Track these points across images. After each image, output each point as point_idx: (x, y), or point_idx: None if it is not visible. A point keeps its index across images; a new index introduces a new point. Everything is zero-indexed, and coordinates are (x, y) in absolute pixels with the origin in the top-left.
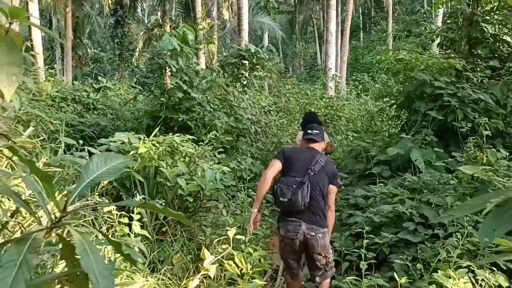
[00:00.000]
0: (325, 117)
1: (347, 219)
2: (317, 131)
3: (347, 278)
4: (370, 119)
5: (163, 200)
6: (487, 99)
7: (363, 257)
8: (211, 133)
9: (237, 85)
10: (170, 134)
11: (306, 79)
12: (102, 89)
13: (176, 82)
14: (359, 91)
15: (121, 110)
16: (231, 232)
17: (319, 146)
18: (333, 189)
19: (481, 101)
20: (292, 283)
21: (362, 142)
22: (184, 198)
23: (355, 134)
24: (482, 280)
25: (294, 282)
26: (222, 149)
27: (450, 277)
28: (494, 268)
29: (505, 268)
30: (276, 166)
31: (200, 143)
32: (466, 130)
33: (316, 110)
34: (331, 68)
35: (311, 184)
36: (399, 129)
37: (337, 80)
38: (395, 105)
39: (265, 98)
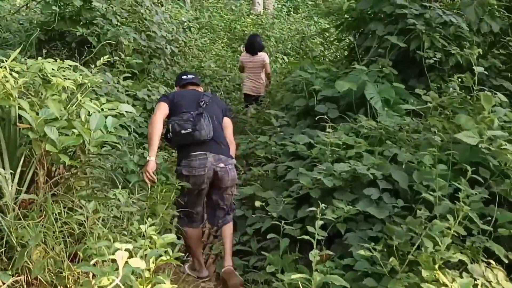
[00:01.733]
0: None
1: (284, 173)
2: (193, 75)
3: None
4: (300, 40)
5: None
6: (459, 23)
7: (312, 239)
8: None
9: None
10: (65, 52)
11: None
12: None
13: None
14: (290, 9)
15: (9, 19)
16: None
17: (199, 89)
18: (228, 121)
19: (451, 25)
20: (191, 232)
21: (302, 72)
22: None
23: (285, 57)
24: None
25: (195, 230)
26: (128, 74)
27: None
28: (491, 261)
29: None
30: (162, 108)
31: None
32: (434, 61)
33: (242, 28)
34: None
35: (208, 114)
36: (346, 56)
37: None
38: (342, 26)
39: (186, 12)
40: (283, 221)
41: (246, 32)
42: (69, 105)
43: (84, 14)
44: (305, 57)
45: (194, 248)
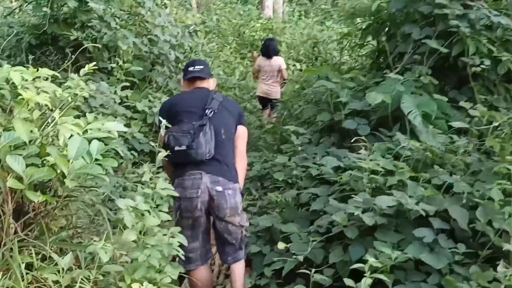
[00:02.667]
0: (262, 42)
1: (308, 201)
2: (201, 66)
3: None
4: (313, 45)
5: None
6: (509, 25)
7: None
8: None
9: None
10: (58, 58)
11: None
12: None
13: None
14: (302, 13)
15: (2, 22)
16: None
17: (208, 84)
18: (242, 130)
19: (499, 28)
20: (192, 274)
21: (326, 81)
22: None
23: (297, 63)
24: None
25: (194, 272)
26: (127, 83)
27: None
28: None
29: None
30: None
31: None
32: (481, 69)
33: (251, 33)
34: None
35: (214, 127)
36: (372, 63)
37: None
38: (369, 29)
39: (193, 16)
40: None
41: (255, 37)
42: (44, 126)
43: (79, 16)
44: (321, 64)
45: None
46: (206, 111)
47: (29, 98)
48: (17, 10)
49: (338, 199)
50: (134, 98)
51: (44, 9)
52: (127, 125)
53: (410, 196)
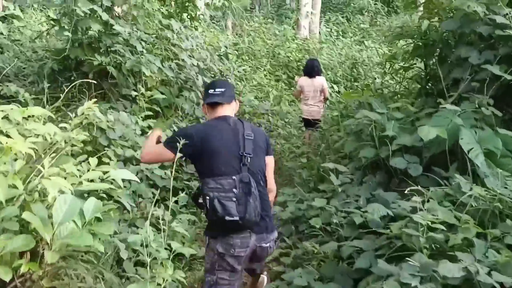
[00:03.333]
0: (298, 64)
1: (350, 255)
2: (222, 89)
3: None
4: (351, 67)
5: None
6: None
7: None
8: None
9: (182, 17)
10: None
11: (273, 19)
12: (7, 18)
13: (91, 9)
14: (340, 32)
15: (29, 47)
16: None
17: (230, 109)
18: (270, 160)
19: None
20: None
21: (369, 112)
22: None
23: (334, 85)
24: None
25: None
26: (150, 112)
27: None
28: None
29: None
30: (164, 156)
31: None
32: None
33: (287, 54)
34: (307, 3)
35: (253, 178)
36: (420, 90)
37: (311, 18)
38: (419, 50)
39: (227, 37)
40: None
41: (291, 58)
42: (29, 179)
43: (104, 40)
44: (362, 88)
45: None
46: (244, 160)
47: (11, 146)
48: (44, 34)
49: (387, 258)
50: (159, 126)
51: (66, 33)
52: None
53: (479, 261)
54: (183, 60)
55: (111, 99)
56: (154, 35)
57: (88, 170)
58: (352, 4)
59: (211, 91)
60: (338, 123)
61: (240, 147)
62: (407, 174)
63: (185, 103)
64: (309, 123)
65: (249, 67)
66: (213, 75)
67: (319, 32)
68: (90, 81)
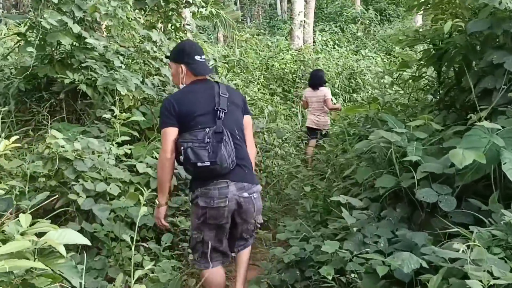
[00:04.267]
0: (294, 76)
1: None
2: (204, 56)
3: None
4: (348, 77)
5: None
6: None
7: None
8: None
9: (166, 27)
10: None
11: (265, 30)
12: None
13: (60, 20)
14: (336, 41)
15: None
16: None
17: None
18: (248, 119)
19: None
20: (210, 275)
21: (386, 132)
22: None
23: (333, 98)
24: None
25: (215, 271)
26: (127, 137)
27: None
28: None
29: None
30: (170, 137)
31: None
32: None
33: (281, 66)
34: (301, 11)
35: (228, 130)
36: (439, 102)
37: (305, 27)
38: (440, 56)
39: (214, 50)
40: None
41: (285, 70)
42: None
43: (76, 56)
44: (368, 101)
45: None
46: (218, 113)
47: None
48: (16, 50)
49: None
50: (138, 152)
51: (29, 48)
52: (124, 193)
53: None
54: (165, 75)
55: (85, 121)
56: (132, 48)
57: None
58: (344, 14)
59: (197, 57)
60: (343, 142)
61: (216, 104)
62: (435, 206)
63: None
64: (316, 133)
65: (241, 80)
66: None
67: (314, 42)
68: (59, 100)
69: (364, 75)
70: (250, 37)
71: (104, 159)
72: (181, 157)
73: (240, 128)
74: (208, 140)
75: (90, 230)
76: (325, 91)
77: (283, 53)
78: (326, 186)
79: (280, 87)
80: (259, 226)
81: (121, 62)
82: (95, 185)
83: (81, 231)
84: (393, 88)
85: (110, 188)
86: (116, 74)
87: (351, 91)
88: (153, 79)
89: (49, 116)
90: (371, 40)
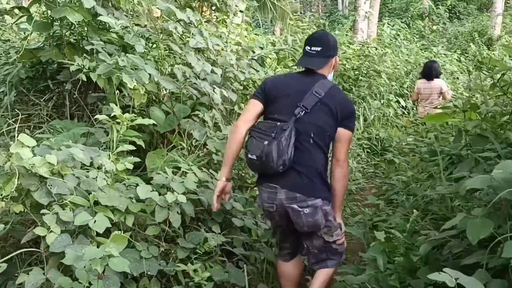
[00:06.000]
0: (356, 72)
1: None
2: (318, 48)
3: None
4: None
5: None
6: None
7: None
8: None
9: (204, 9)
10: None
11: (325, 25)
12: None
13: None
14: (406, 36)
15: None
16: None
17: (326, 70)
18: (344, 134)
19: None
20: (279, 265)
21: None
22: None
23: (400, 99)
24: None
25: (283, 264)
26: (132, 146)
27: None
28: None
29: None
30: (252, 108)
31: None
32: None
33: (342, 61)
34: (365, 1)
35: (298, 130)
36: None
37: (370, 19)
38: None
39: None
40: None
41: (346, 66)
42: None
43: (90, 37)
44: (464, 109)
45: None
46: (296, 110)
47: None
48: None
49: None
50: (153, 163)
51: (24, 25)
52: (118, 226)
53: None
54: (188, 64)
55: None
56: (151, 28)
57: None
58: (411, 9)
59: (307, 48)
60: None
61: (302, 99)
62: None
63: (194, 129)
64: None
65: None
66: (241, 85)
67: (378, 35)
68: (66, 92)
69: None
70: (307, 26)
71: (96, 177)
72: None
73: (320, 133)
74: (273, 134)
75: (56, 283)
76: (441, 83)
77: (344, 47)
78: (407, 230)
79: (340, 85)
80: (337, 247)
81: (145, 47)
82: (76, 213)
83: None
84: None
85: (95, 222)
86: (123, 60)
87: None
88: (179, 69)
89: (56, 111)
90: (440, 37)
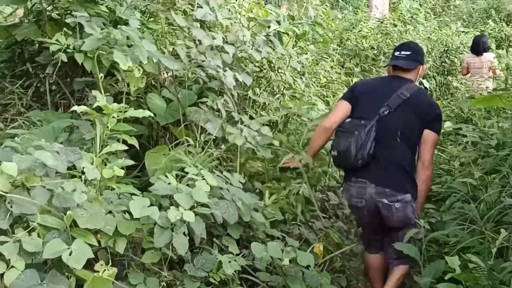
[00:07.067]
0: (375, 52)
1: None
2: (407, 52)
3: None
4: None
5: None
6: None
7: None
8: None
9: None
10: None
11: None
12: None
13: None
14: (429, 11)
15: None
16: None
17: (411, 74)
18: (430, 137)
19: None
20: (367, 258)
21: None
22: None
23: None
24: None
25: (372, 257)
26: (124, 146)
27: None
28: None
29: None
30: (341, 109)
31: None
32: None
33: (358, 40)
34: None
35: (381, 128)
36: None
37: None
38: None
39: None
40: None
41: (364, 44)
42: None
43: (76, 10)
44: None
45: (371, 278)
46: (381, 110)
47: None
48: None
49: None
50: (154, 163)
51: None
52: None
53: None
54: (196, 40)
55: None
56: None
57: None
58: None
59: (396, 53)
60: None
61: (387, 101)
62: None
63: (203, 118)
64: None
65: (311, 55)
66: (258, 67)
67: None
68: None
69: (461, 53)
70: (320, 3)
71: (75, 189)
72: None
73: (407, 131)
74: (356, 132)
75: None
76: (490, 56)
77: (360, 25)
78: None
79: (359, 66)
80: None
81: (141, 21)
82: (44, 243)
83: None
84: None
85: (71, 254)
86: (116, 34)
87: (445, 73)
88: (182, 47)
89: (37, 100)
90: (453, 15)
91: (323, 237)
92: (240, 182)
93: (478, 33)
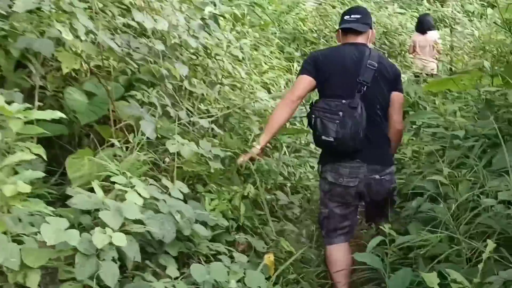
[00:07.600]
0: (314, 35)
1: None
2: (357, 15)
3: None
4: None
5: None
6: None
7: None
8: None
9: None
10: None
11: None
12: None
13: None
14: None
15: None
16: None
17: (363, 38)
18: (397, 97)
19: None
20: (331, 251)
21: None
22: None
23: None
24: None
25: (337, 247)
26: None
27: None
28: None
29: None
30: (304, 83)
31: None
32: None
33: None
34: None
35: (366, 106)
36: None
37: None
38: None
39: None
40: None
41: (304, 28)
42: None
43: None
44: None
45: (333, 274)
46: (359, 86)
47: None
48: None
49: None
50: (77, 169)
51: None
52: None
53: None
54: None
55: None
56: None
57: None
58: None
59: (346, 17)
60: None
61: (359, 75)
62: None
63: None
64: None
65: (250, 40)
66: (195, 54)
67: None
68: None
69: (400, 35)
70: None
71: None
72: (311, 126)
73: (382, 104)
74: (341, 113)
75: None
76: (434, 34)
77: (298, 7)
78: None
79: (299, 51)
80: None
81: None
82: None
83: None
84: None
85: None
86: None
87: (386, 56)
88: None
89: None
90: None
91: (273, 245)
92: (181, 192)
93: (416, 15)
